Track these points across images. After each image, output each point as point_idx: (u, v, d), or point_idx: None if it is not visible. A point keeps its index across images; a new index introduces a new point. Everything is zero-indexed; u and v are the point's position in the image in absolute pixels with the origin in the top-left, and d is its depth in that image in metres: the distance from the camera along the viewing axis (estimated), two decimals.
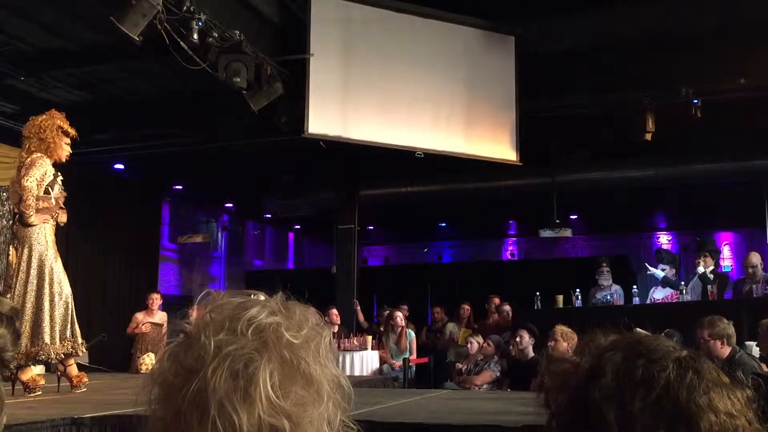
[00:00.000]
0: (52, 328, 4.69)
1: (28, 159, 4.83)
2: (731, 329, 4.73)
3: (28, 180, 4.74)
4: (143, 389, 0.83)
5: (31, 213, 4.73)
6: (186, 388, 0.78)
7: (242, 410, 0.77)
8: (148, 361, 8.35)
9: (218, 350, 0.79)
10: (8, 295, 4.67)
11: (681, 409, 0.81)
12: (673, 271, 8.70)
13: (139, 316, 9.04)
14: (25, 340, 4.58)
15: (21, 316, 4.54)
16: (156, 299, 9.05)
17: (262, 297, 0.88)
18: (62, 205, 4.96)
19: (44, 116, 4.98)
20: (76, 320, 4.91)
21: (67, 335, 4.80)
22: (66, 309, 4.83)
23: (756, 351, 5.11)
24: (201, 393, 0.77)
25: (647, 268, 9.04)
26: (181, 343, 0.84)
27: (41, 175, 4.80)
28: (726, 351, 4.66)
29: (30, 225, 4.76)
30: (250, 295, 0.89)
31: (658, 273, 8.51)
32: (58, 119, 4.96)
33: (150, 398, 0.82)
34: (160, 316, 9.03)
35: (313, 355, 0.84)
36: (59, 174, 4.97)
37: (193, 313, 0.89)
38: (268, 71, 7.17)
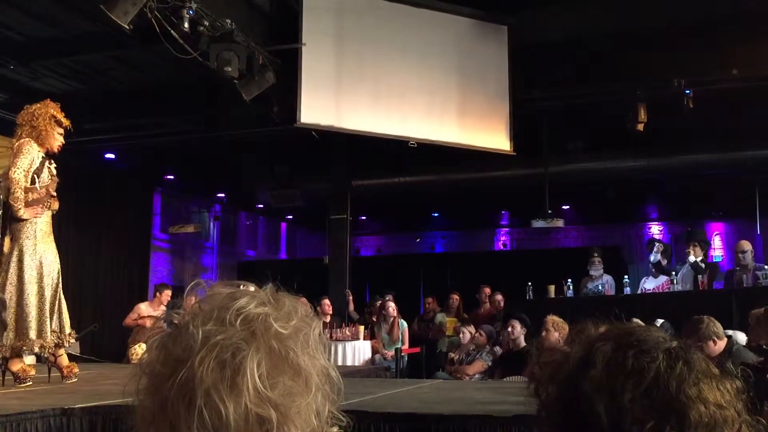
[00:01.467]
0: (39, 322, 4.64)
1: (15, 145, 4.78)
2: (715, 325, 4.62)
3: (15, 171, 4.67)
4: (131, 379, 0.83)
5: (20, 206, 4.67)
6: (174, 377, 0.78)
7: (229, 400, 0.76)
8: (140, 351, 8.33)
9: (206, 340, 0.79)
10: None
11: (671, 400, 0.81)
12: (665, 261, 8.75)
13: (143, 306, 9.01)
14: (11, 334, 4.55)
15: (8, 307, 4.53)
16: (168, 295, 9.05)
17: (252, 288, 0.88)
18: (53, 193, 4.90)
19: (38, 105, 4.91)
20: (65, 311, 4.87)
21: (53, 326, 4.75)
22: (54, 299, 4.79)
23: (743, 340, 5.12)
24: (188, 382, 0.77)
25: (645, 255, 9.10)
26: (170, 334, 0.83)
27: (28, 163, 4.73)
28: (721, 346, 4.61)
29: (21, 219, 4.71)
30: (240, 286, 0.88)
31: (655, 257, 8.56)
32: (52, 108, 4.90)
33: (138, 388, 0.82)
34: (162, 309, 9.02)
35: (302, 345, 0.83)
36: (52, 161, 4.92)
37: (189, 303, 0.89)
38: (260, 61, 7.15)
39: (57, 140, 4.91)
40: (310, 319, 0.87)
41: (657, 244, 8.87)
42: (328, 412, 0.85)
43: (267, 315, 0.83)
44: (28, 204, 4.72)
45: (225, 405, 0.76)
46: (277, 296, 0.86)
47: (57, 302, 4.80)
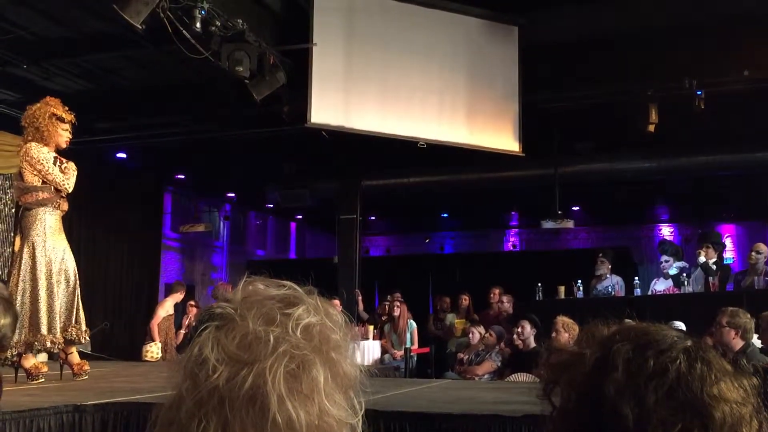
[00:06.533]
0: (50, 318, 4.67)
1: (23, 150, 4.82)
2: (750, 324, 4.80)
3: (49, 175, 4.77)
4: (176, 369, 0.82)
5: (67, 185, 4.86)
6: (237, 377, 0.78)
7: (301, 409, 0.78)
8: (154, 349, 8.39)
9: (276, 346, 0.80)
10: (9, 284, 4.69)
11: (695, 400, 0.81)
12: (678, 267, 8.73)
13: (169, 301, 9.21)
14: (24, 330, 4.58)
15: (22, 302, 4.57)
16: (182, 293, 9.35)
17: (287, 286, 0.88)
18: (63, 195, 4.94)
19: (38, 105, 4.90)
20: (81, 307, 4.91)
21: (72, 321, 4.79)
22: (72, 296, 4.82)
23: (758, 343, 5.12)
24: (258, 388, 0.78)
25: (655, 256, 9.07)
26: (220, 327, 0.82)
27: (46, 159, 4.80)
28: (738, 343, 4.69)
29: (30, 217, 4.77)
30: (283, 285, 0.88)
31: (673, 269, 8.55)
32: (52, 106, 4.89)
33: (184, 380, 0.81)
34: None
35: (351, 356, 0.86)
36: (63, 159, 4.95)
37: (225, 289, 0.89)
38: (270, 60, 7.16)
39: (62, 136, 4.92)
40: (350, 327, 0.89)
41: (664, 250, 8.83)
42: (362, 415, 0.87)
43: (323, 325, 0.84)
44: (39, 202, 4.77)
45: (298, 414, 0.78)
46: (323, 303, 0.88)
47: (76, 297, 4.84)
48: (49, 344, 4.66)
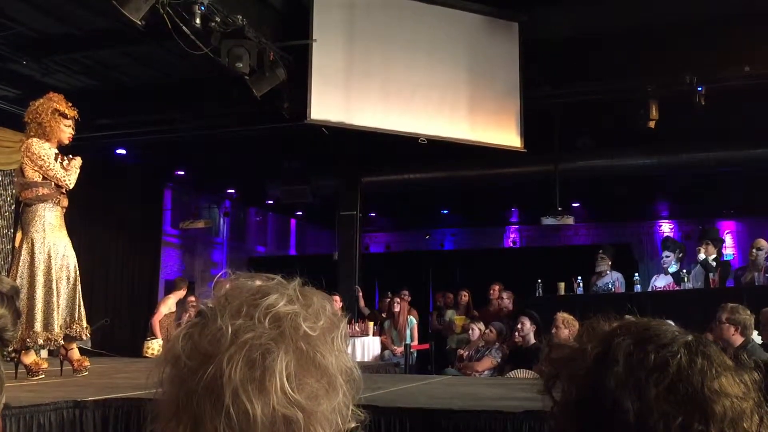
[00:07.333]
0: (46, 315, 4.65)
1: (24, 146, 4.82)
2: (750, 321, 4.81)
3: (50, 171, 4.75)
4: (156, 368, 0.82)
5: (68, 181, 4.84)
6: (201, 372, 0.78)
7: (257, 400, 0.76)
8: (155, 346, 8.40)
9: (235, 337, 0.78)
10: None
11: (696, 394, 0.81)
12: (678, 264, 8.75)
13: (171, 298, 9.22)
14: (21, 326, 4.56)
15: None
16: (184, 291, 9.37)
17: (275, 280, 0.87)
18: (63, 190, 4.94)
19: (41, 100, 4.89)
20: (82, 303, 4.90)
21: (75, 318, 4.79)
22: (73, 293, 4.81)
23: (758, 339, 5.13)
24: (216, 380, 0.77)
25: (655, 253, 9.10)
26: (196, 324, 0.82)
27: (47, 155, 4.80)
28: (738, 339, 4.70)
29: (30, 213, 4.76)
30: (272, 279, 0.87)
31: (673, 266, 8.56)
32: (55, 102, 4.88)
33: (162, 378, 0.82)
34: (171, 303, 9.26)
35: (329, 346, 0.83)
36: (64, 157, 4.95)
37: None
38: (270, 57, 7.15)
39: (65, 132, 4.91)
40: (338, 318, 0.86)
41: (667, 246, 8.85)
42: (351, 410, 0.85)
43: (296, 314, 0.82)
44: (40, 198, 4.77)
45: (253, 405, 0.76)
46: (305, 293, 0.85)
47: (76, 295, 4.83)
48: (41, 341, 4.65)
